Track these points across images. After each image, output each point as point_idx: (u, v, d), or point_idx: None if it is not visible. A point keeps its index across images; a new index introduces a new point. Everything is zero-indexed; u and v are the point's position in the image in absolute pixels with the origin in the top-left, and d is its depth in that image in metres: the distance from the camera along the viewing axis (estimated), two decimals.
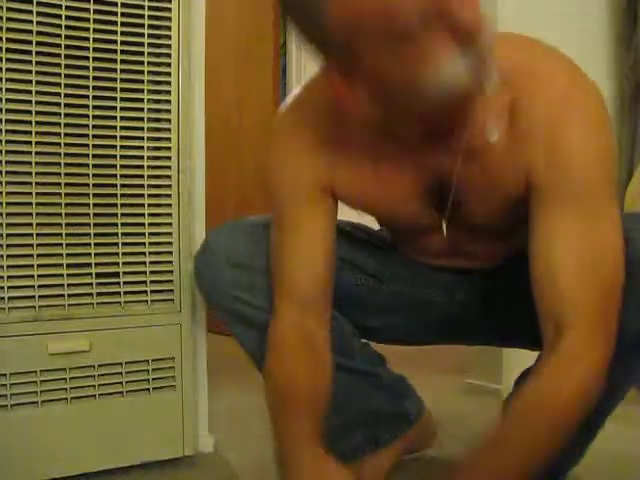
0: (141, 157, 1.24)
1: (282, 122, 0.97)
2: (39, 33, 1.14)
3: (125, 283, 1.24)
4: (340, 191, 0.94)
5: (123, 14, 1.20)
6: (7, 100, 1.13)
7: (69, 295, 1.19)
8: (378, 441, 1.18)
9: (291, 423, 0.89)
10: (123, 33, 1.21)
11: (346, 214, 1.06)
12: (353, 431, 1.13)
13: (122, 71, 1.21)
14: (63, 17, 1.15)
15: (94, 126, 1.20)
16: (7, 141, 1.13)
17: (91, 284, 1.21)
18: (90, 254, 1.21)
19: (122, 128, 1.22)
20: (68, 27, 1.16)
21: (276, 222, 0.98)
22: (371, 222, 1.12)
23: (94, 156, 1.20)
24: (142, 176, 1.24)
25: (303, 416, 0.89)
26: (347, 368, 1.08)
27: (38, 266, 1.17)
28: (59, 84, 1.16)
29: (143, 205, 1.25)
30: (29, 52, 1.13)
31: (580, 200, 0.79)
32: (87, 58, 1.18)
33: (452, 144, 0.85)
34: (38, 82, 1.15)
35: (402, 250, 1.13)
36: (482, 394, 1.76)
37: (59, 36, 1.15)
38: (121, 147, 1.22)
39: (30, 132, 1.15)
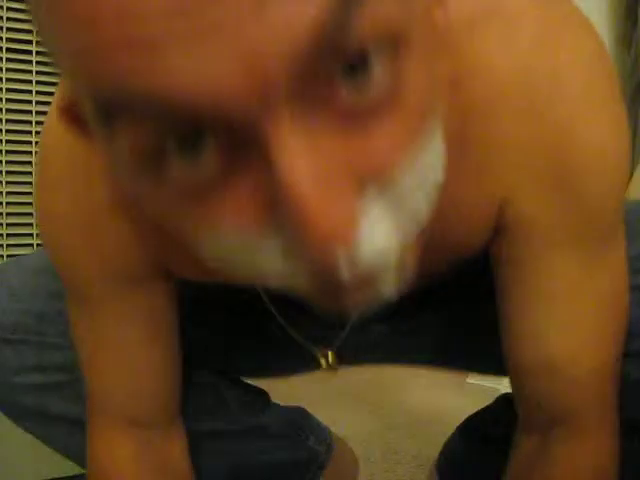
0: None
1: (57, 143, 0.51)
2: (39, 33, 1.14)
3: None
4: (179, 271, 0.56)
5: None
6: (7, 100, 1.13)
7: None
8: None
9: None
10: None
11: None
12: None
13: None
14: None
15: None
16: (7, 141, 1.13)
17: None
18: None
19: None
20: None
21: (78, 304, 0.58)
22: None
23: None
24: None
25: None
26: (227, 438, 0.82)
27: None
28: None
29: None
30: (29, 52, 1.13)
31: (589, 240, 0.49)
32: None
33: None
34: (38, 82, 1.15)
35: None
36: (482, 394, 1.76)
37: None
38: None
39: (30, 132, 1.15)
